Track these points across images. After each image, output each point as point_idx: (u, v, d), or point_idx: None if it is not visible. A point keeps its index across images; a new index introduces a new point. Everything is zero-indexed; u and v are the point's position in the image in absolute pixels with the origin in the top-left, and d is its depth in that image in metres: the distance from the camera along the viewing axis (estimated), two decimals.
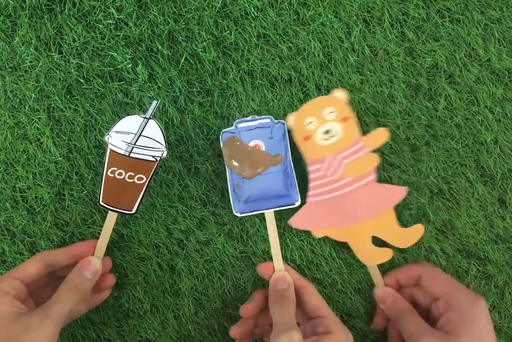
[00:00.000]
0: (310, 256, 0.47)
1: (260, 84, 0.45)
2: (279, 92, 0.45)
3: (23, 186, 0.44)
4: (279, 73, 0.45)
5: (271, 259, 0.45)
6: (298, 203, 0.44)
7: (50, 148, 0.44)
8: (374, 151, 0.44)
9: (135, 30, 0.43)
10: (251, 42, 0.45)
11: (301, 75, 0.45)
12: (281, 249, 0.46)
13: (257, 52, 0.45)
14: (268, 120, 0.44)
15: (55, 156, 0.44)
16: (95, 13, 0.43)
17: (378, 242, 0.45)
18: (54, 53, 0.43)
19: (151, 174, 0.42)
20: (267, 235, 0.46)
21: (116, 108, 0.44)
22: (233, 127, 0.44)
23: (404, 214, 0.46)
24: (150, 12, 0.43)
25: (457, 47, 0.46)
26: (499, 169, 0.47)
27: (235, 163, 0.43)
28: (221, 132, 0.44)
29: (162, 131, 0.42)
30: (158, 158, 0.42)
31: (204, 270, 0.47)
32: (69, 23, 0.43)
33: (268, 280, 0.43)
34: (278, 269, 0.44)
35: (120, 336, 0.46)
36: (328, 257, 0.47)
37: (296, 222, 0.45)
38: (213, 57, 0.44)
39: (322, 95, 0.45)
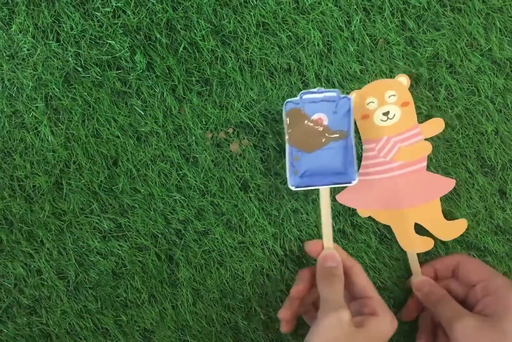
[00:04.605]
0: None
1: (259, 74, 0.45)
2: (278, 82, 0.45)
3: (20, 174, 0.44)
4: (278, 62, 0.45)
5: (269, 249, 0.45)
6: (355, 182, 0.42)
7: (48, 137, 0.44)
8: (427, 140, 0.45)
9: (133, 18, 0.43)
10: (250, 31, 0.44)
11: (301, 65, 0.45)
12: (280, 238, 0.46)
13: (256, 41, 0.44)
14: (334, 94, 0.42)
15: (52, 145, 0.44)
16: (93, 1, 0.43)
17: (422, 232, 0.45)
18: (51, 41, 0.43)
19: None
20: (265, 225, 0.45)
21: (114, 97, 0.44)
22: (298, 97, 0.42)
23: None
24: (148, 0, 0.43)
25: (458, 36, 0.45)
26: (499, 160, 0.46)
27: (295, 135, 0.42)
28: (285, 102, 0.42)
29: None
30: None
31: (202, 260, 0.46)
32: (66, 11, 0.43)
33: (315, 258, 0.43)
34: (327, 246, 0.42)
35: (118, 326, 0.46)
36: None
37: (343, 198, 0.45)
38: (212, 46, 0.44)
39: (321, 85, 0.45)
